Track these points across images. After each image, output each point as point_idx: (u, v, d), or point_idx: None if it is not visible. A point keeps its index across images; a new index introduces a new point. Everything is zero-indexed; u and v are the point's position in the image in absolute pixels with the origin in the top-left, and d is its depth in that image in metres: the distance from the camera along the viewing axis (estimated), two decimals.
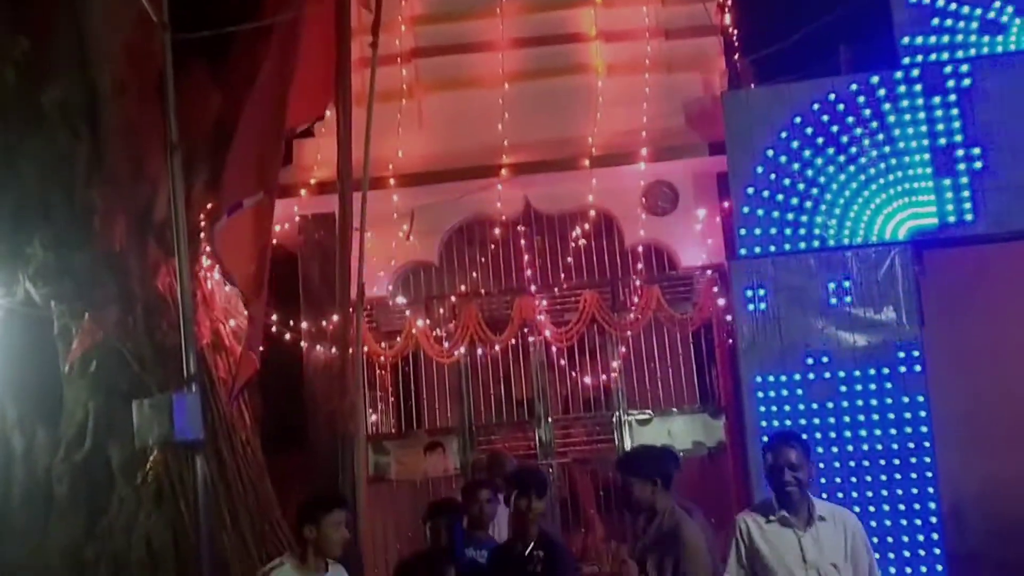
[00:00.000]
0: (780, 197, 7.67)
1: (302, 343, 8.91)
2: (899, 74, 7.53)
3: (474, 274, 9.24)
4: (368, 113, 7.85)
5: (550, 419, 9.06)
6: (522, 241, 9.06)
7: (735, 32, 9.12)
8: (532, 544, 4.57)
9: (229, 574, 7.23)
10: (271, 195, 7.56)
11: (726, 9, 9.16)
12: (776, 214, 7.66)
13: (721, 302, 8.43)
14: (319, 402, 8.61)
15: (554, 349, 9.01)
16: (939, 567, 6.99)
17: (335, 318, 8.23)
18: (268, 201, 7.49)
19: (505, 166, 8.67)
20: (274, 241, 9.31)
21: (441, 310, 9.18)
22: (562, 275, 9.01)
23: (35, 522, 7.57)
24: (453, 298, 9.13)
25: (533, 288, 8.94)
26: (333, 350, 8.38)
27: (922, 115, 7.45)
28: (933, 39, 7.57)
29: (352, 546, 5.18)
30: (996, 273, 9.38)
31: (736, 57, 9.03)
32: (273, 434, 8.68)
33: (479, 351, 9.06)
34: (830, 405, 7.25)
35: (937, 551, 7.00)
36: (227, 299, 8.63)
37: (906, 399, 7.17)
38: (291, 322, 9.03)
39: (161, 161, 6.91)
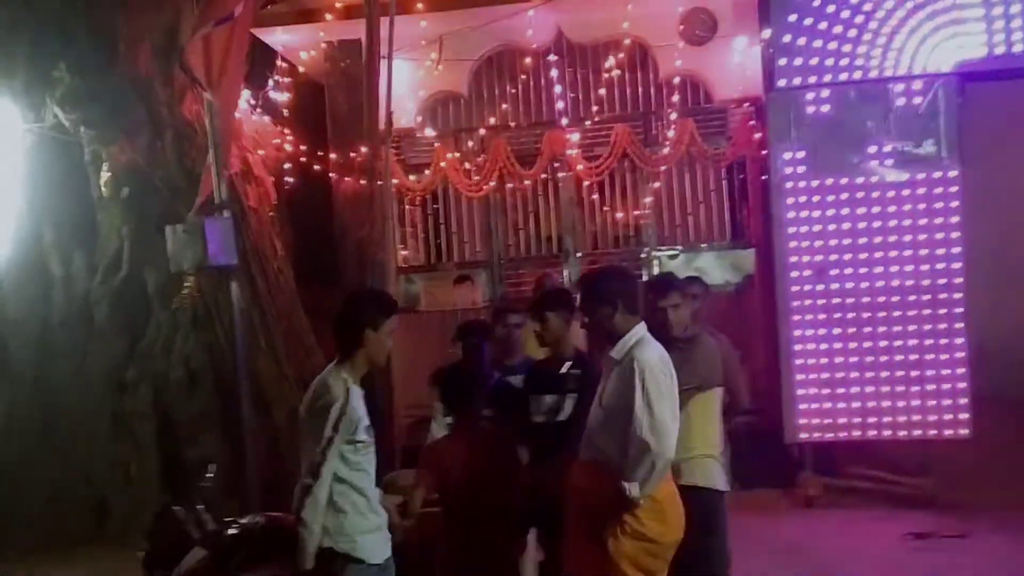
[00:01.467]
0: (823, 25, 7.34)
1: (330, 174, 8.86)
2: None
3: (504, 106, 9.05)
4: None
5: (579, 255, 9.06)
6: (553, 72, 8.81)
7: None
8: (569, 363, 4.64)
9: (265, 396, 7.48)
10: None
11: None
12: (818, 43, 7.35)
13: (757, 136, 8.24)
14: (349, 233, 8.63)
15: (584, 184, 8.92)
16: (963, 402, 7.06)
17: (363, 149, 8.15)
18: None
19: None
20: (301, 69, 9.22)
21: (470, 143, 9.06)
22: (594, 108, 8.80)
23: (76, 345, 7.80)
24: (482, 131, 8.99)
25: (564, 121, 8.76)
26: (362, 182, 8.33)
27: None
28: None
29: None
30: None
31: None
32: (304, 265, 8.77)
33: (508, 185, 8.99)
34: (862, 240, 7.17)
35: (962, 386, 7.05)
36: (256, 128, 8.55)
37: (940, 235, 7.07)
38: (319, 152, 8.96)
39: None
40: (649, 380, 3.87)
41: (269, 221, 8.25)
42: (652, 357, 3.95)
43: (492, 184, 8.82)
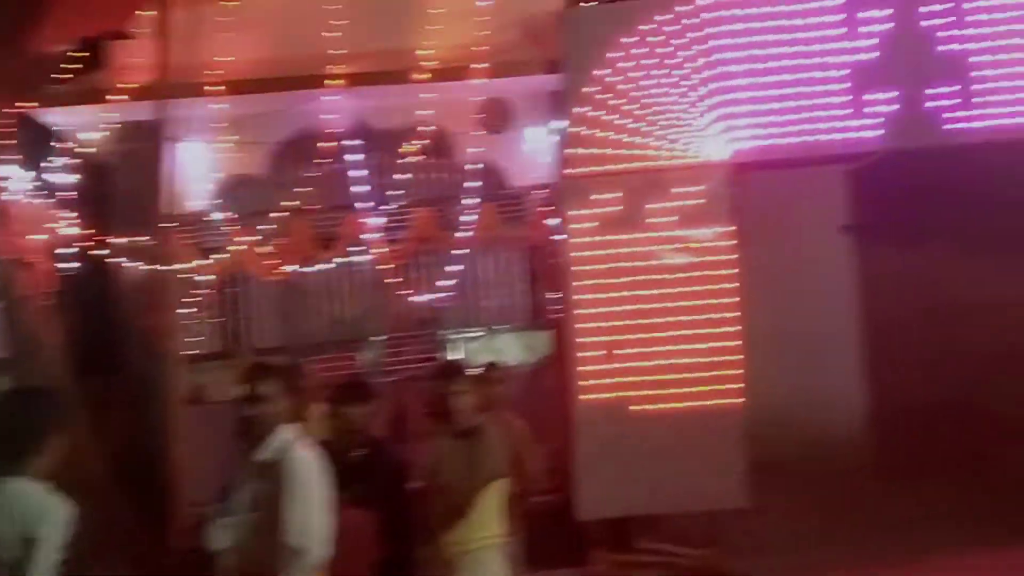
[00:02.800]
0: (611, 117, 7.71)
1: (114, 260, 8.42)
2: None
3: (303, 189, 8.93)
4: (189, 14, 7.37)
5: (379, 339, 8.97)
6: (353, 156, 8.81)
7: None
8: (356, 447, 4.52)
9: None
10: None
11: None
12: (606, 134, 7.70)
13: (552, 221, 8.49)
14: (133, 320, 8.20)
15: (385, 268, 8.89)
16: (739, 473, 7.34)
17: (151, 233, 7.82)
18: None
19: (337, 76, 8.36)
20: (85, 150, 8.80)
21: (269, 226, 8.86)
22: (394, 192, 8.84)
23: None
24: (281, 214, 8.82)
25: (365, 205, 8.74)
26: (148, 267, 7.97)
27: (746, 39, 7.61)
28: None
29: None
30: (808, 196, 9.91)
31: None
32: (85, 354, 8.23)
33: (308, 269, 8.83)
34: (649, 321, 7.46)
35: (738, 457, 7.34)
36: (29, 213, 8.05)
37: (718, 315, 7.44)
38: (103, 236, 8.51)
39: None
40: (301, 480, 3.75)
41: (44, 309, 7.71)
42: (306, 456, 3.86)
43: (291, 268, 8.65)
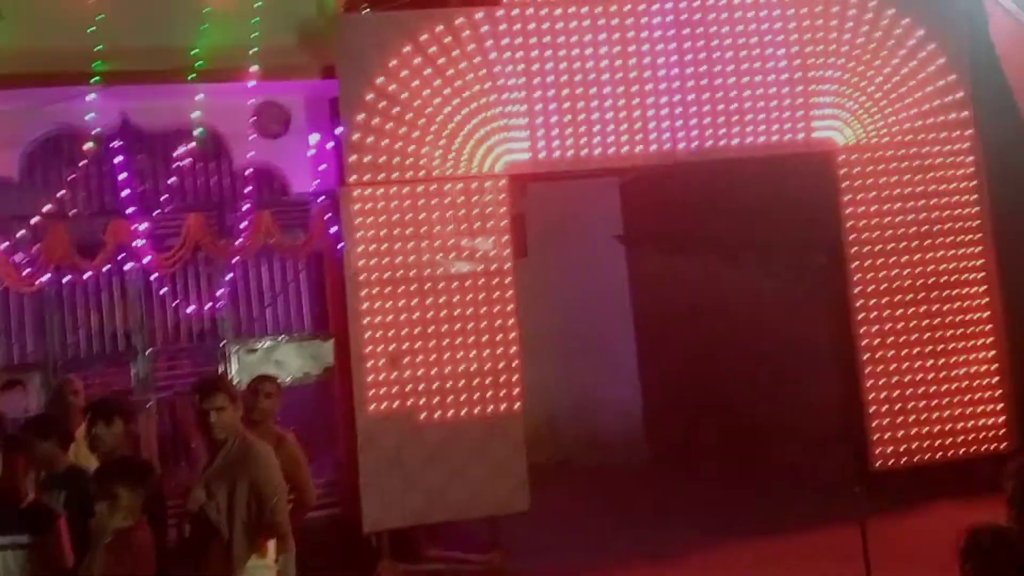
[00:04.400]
0: (390, 126, 7.72)
1: None
2: (501, 12, 7.82)
3: (63, 193, 8.32)
4: None
5: (149, 351, 8.51)
6: (119, 158, 8.31)
7: None
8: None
9: None
10: None
11: None
12: (386, 142, 7.70)
13: (333, 229, 8.36)
14: None
15: (154, 277, 8.44)
16: (520, 478, 7.52)
17: None
18: None
19: (100, 73, 7.86)
20: None
21: (21, 232, 8.18)
22: (164, 197, 8.41)
23: None
24: (37, 219, 8.17)
25: (131, 210, 8.25)
26: None
27: (520, 54, 7.82)
28: None
29: None
30: (584, 206, 10.39)
31: None
32: None
33: (67, 278, 8.24)
34: (431, 329, 7.52)
35: (519, 462, 7.53)
36: None
37: (499, 322, 7.61)
38: None
39: None
40: None
41: None
42: None
43: (47, 277, 8.03)
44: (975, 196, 8.38)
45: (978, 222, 8.37)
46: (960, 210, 8.37)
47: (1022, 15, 8.43)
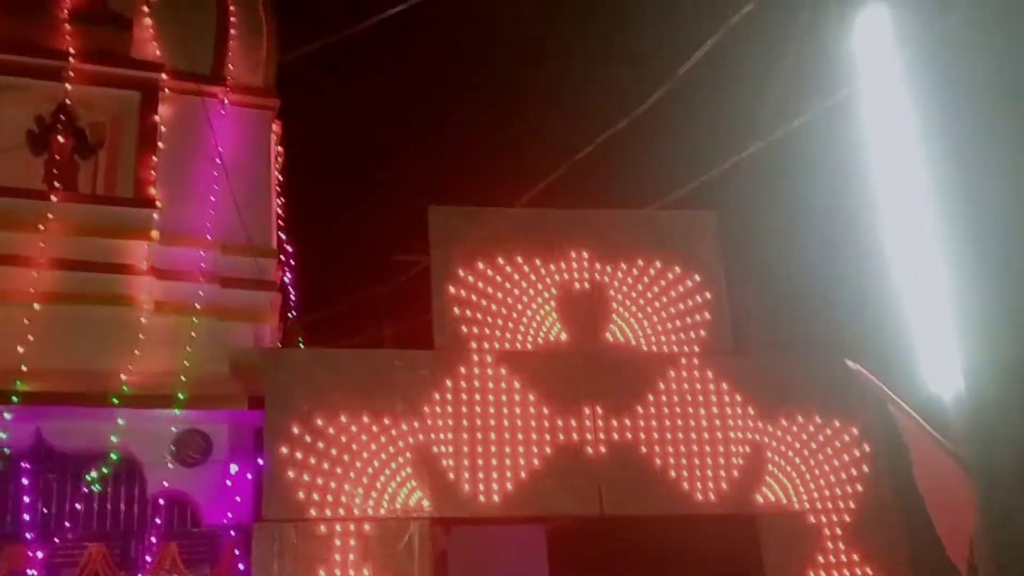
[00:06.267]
0: (313, 460, 7.60)
1: None
2: (432, 353, 8.03)
3: None
4: None
5: None
6: (24, 479, 7.94)
7: (292, 291, 9.27)
8: None
9: None
10: None
11: (286, 268, 9.32)
12: (306, 477, 7.55)
13: (241, 566, 7.92)
14: None
15: None
16: None
17: None
18: None
19: (18, 393, 7.74)
20: None
21: None
22: (67, 523, 7.96)
23: None
24: None
25: (29, 535, 7.77)
26: None
27: (450, 396, 7.92)
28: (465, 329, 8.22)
29: None
30: (515, 549, 10.04)
31: (291, 315, 9.13)
32: None
33: None
34: None
35: None
36: None
37: None
38: None
39: None
40: None
41: None
42: None
43: None
44: None
45: None
46: None
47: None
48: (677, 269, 8.72)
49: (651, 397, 8.26)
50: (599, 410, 8.13)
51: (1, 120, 8.76)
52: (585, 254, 8.62)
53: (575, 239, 8.63)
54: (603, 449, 8.04)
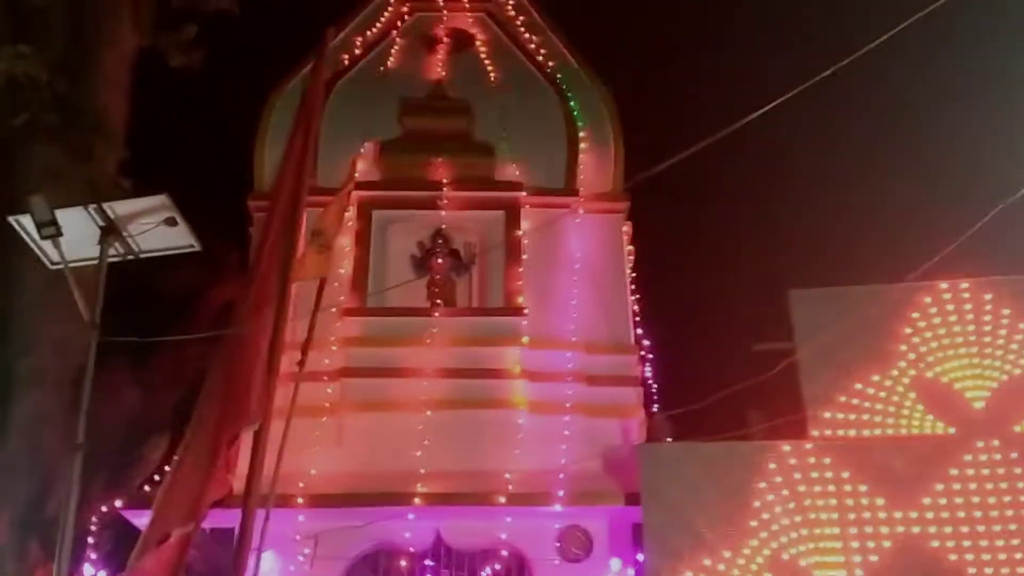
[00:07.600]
0: (695, 555, 7.53)
1: None
2: (809, 445, 7.73)
3: None
4: (285, 430, 7.66)
5: None
6: None
7: (654, 385, 9.42)
8: None
9: None
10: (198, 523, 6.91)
11: (646, 362, 9.51)
12: (689, 574, 7.49)
13: None
14: None
15: None
16: None
17: None
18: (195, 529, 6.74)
19: (419, 495, 8.47)
20: None
21: None
22: None
23: None
24: None
25: None
26: None
27: (832, 487, 7.55)
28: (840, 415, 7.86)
29: None
30: None
31: (654, 409, 9.26)
32: None
33: None
34: None
35: None
36: None
37: None
38: None
39: (61, 456, 6.58)
40: None
41: None
42: None
43: None
44: None
45: None
46: None
47: None
48: None
49: None
50: None
51: (390, 249, 9.89)
52: None
53: None
54: None
